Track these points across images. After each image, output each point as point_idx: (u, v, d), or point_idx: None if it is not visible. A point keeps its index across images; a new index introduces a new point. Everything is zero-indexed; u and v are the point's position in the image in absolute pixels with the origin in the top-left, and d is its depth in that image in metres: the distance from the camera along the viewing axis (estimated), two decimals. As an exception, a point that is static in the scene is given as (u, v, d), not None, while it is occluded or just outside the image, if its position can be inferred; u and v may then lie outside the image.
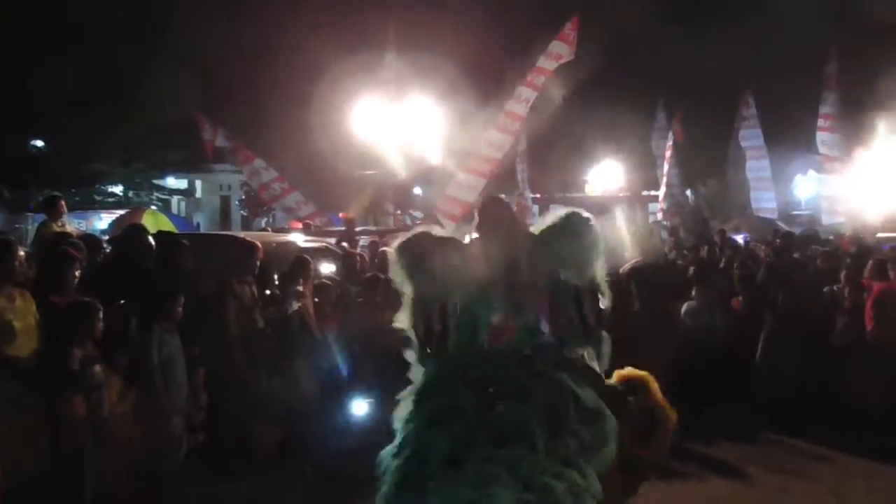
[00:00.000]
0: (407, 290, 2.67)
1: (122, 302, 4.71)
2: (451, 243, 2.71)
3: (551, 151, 25.86)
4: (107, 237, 9.40)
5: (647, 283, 7.10)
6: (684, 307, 7.37)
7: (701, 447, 6.13)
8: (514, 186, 21.76)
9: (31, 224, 16.46)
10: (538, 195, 24.26)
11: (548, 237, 2.70)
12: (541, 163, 24.60)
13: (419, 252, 2.65)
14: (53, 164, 22.87)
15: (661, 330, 6.86)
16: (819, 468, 5.67)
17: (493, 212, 2.82)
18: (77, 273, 4.57)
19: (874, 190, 16.47)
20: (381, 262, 7.84)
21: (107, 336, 4.38)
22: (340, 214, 17.53)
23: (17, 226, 18.48)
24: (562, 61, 12.30)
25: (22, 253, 4.47)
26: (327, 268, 7.51)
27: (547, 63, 12.32)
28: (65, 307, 4.26)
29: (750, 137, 18.08)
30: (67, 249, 4.67)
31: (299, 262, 6.19)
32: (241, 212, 26.81)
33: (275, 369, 5.83)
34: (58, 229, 5.89)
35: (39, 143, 23.74)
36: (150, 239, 5.17)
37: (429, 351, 2.61)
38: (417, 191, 24.09)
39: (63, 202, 6.39)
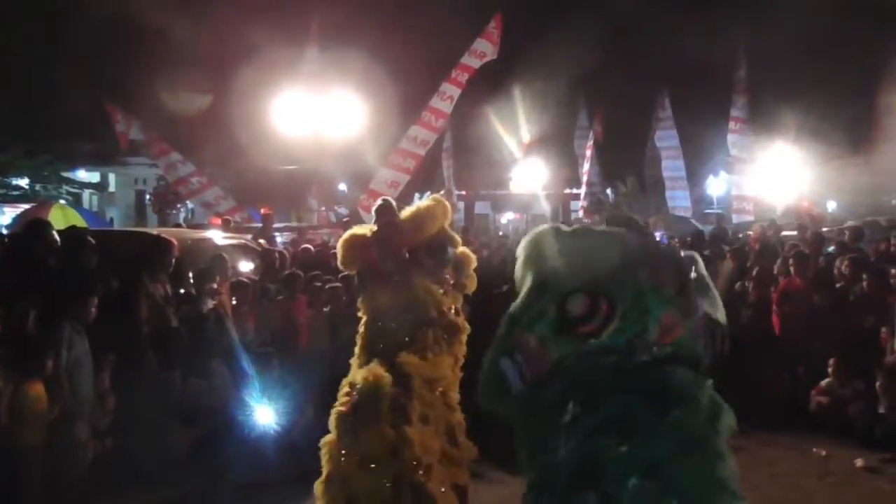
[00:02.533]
0: (563, 279, 2.58)
1: (22, 302, 4.44)
2: (623, 238, 2.72)
3: (476, 148, 26.09)
4: (8, 233, 8.88)
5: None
6: None
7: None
8: (440, 183, 21.85)
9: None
10: (463, 192, 24.42)
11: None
12: (466, 159, 24.78)
13: (593, 245, 2.66)
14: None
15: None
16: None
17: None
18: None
19: (779, 189, 17.41)
20: (302, 259, 7.74)
21: (4, 337, 4.13)
22: (262, 210, 17.16)
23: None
24: (486, 59, 12.44)
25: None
26: (246, 265, 7.32)
27: (471, 61, 12.42)
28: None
29: (666, 138, 18.73)
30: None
31: (216, 260, 6.02)
32: (151, 207, 25.70)
33: (189, 370, 5.65)
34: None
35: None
36: (55, 234, 4.91)
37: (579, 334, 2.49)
38: (342, 186, 23.85)
39: None
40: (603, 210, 20.11)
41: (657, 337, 2.51)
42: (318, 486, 3.73)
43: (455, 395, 4.12)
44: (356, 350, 4.21)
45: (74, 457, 4.40)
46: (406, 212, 4.46)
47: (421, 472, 3.59)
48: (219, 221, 13.06)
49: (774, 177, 17.62)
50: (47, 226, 5.00)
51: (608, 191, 23.96)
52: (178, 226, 14.73)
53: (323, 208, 17.06)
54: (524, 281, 2.69)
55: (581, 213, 19.29)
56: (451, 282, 4.35)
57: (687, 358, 2.57)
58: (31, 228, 4.97)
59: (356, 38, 17.66)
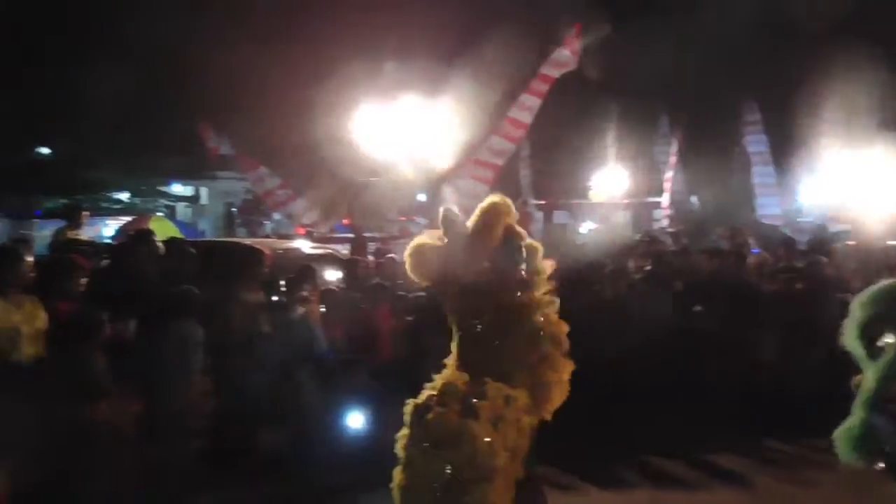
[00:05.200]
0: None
1: (125, 307, 4.73)
2: None
3: (554, 157, 25.88)
4: (112, 243, 9.42)
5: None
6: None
7: (708, 456, 6.12)
8: (517, 192, 21.77)
9: (37, 230, 16.51)
10: (542, 201, 24.24)
11: None
12: (544, 168, 24.63)
13: None
14: (59, 171, 23.00)
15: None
16: (820, 475, 5.62)
17: None
18: (83, 279, 4.61)
19: (877, 197, 16.48)
20: (386, 268, 7.88)
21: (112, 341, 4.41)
22: (343, 221, 17.53)
23: (22, 231, 18.54)
24: (566, 69, 12.36)
25: (30, 259, 4.51)
26: (332, 274, 7.53)
27: (550, 70, 12.37)
28: (71, 315, 4.29)
29: (755, 143, 18.03)
30: (73, 257, 4.72)
31: (304, 270, 6.22)
32: (237, 220, 26.65)
33: (279, 374, 5.84)
34: (71, 236, 5.97)
35: (45, 151, 23.84)
36: (159, 244, 5.22)
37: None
38: (421, 197, 24.11)
39: (85, 213, 6.50)
40: (689, 219, 19.56)
41: None
42: (395, 472, 3.84)
43: (528, 420, 4.04)
44: (449, 361, 4.17)
45: (175, 455, 4.63)
46: (472, 218, 4.37)
47: (481, 469, 3.58)
48: (303, 232, 13.46)
49: (870, 184, 16.71)
50: (152, 236, 5.31)
51: (693, 198, 23.27)
52: (268, 236, 15.27)
53: (403, 219, 17.31)
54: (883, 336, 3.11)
55: (665, 223, 18.82)
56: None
57: None
58: (137, 238, 5.28)
59: (435, 48, 17.86)
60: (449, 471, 3.56)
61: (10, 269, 4.21)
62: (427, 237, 4.36)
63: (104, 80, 19.42)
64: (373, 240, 12.61)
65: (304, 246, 8.07)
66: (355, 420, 5.76)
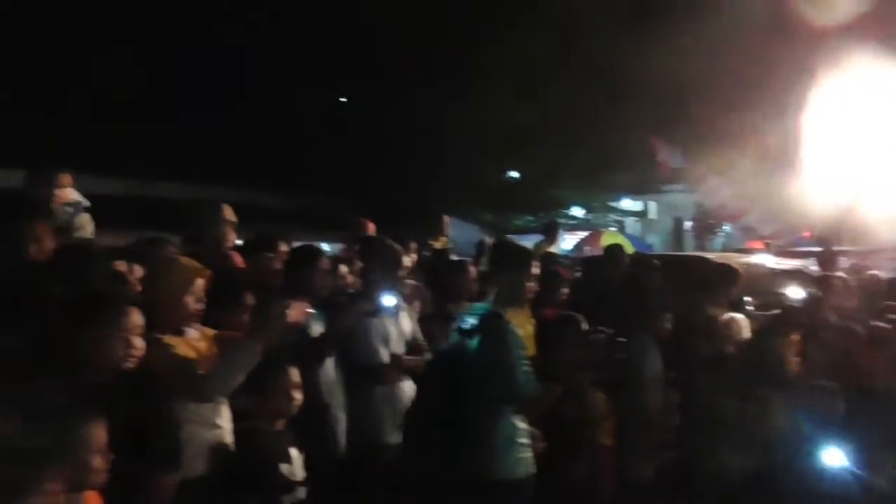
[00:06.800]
0: None
1: (597, 317, 5.09)
2: None
3: None
4: (573, 258, 10.26)
5: None
6: None
7: None
8: None
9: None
10: None
11: None
12: None
13: None
14: (525, 191, 26.19)
15: None
16: None
17: None
18: (565, 290, 5.14)
19: None
20: (868, 288, 6.92)
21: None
22: (805, 233, 16.01)
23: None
24: None
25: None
26: (799, 292, 6.95)
27: None
28: (555, 320, 4.81)
29: None
30: (557, 269, 5.31)
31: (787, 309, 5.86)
32: (690, 233, 26.63)
33: (745, 397, 5.59)
34: (546, 249, 6.78)
35: (514, 174, 27.38)
36: (626, 258, 5.53)
37: None
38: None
39: (560, 231, 7.38)
40: None
41: None
42: None
43: None
44: None
45: (645, 459, 4.83)
46: None
47: None
48: (759, 245, 12.70)
49: None
50: (621, 250, 5.65)
51: None
52: (724, 251, 14.83)
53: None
54: None
55: None
56: None
57: None
58: (608, 253, 5.68)
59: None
60: None
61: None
62: None
63: (564, 107, 21.40)
64: (845, 253, 11.21)
65: (768, 261, 7.59)
66: (833, 457, 5.16)
